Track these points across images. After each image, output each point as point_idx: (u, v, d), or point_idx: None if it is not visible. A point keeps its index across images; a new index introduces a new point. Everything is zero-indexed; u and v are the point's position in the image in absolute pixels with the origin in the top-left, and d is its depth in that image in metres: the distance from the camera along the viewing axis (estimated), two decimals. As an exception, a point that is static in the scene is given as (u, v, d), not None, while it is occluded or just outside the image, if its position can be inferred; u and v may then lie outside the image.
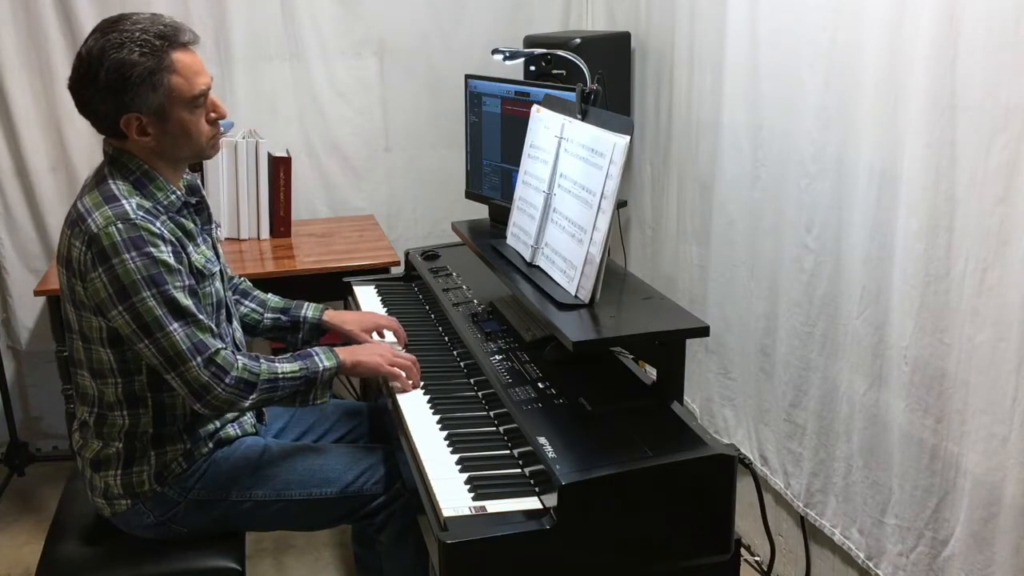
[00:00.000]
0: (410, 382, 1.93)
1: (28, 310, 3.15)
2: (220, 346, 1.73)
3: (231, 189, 3.01)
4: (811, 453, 2.22)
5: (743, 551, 1.67)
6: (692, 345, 2.35)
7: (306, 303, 2.19)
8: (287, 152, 3.08)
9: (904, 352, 1.84)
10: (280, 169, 3.04)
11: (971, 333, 1.68)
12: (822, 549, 2.28)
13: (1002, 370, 1.62)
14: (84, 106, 1.73)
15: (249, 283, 2.20)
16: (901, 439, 1.88)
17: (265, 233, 3.07)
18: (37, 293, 2.69)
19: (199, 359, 1.69)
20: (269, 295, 2.20)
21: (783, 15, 2.18)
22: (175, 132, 1.73)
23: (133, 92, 1.67)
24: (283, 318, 2.16)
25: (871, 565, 2.03)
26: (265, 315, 2.15)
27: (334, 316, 2.16)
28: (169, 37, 1.69)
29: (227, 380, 1.71)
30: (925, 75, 1.72)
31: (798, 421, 2.27)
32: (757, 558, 2.52)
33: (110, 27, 1.68)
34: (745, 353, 2.49)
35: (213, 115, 1.78)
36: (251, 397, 1.74)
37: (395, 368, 1.92)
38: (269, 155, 3.03)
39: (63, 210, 3.08)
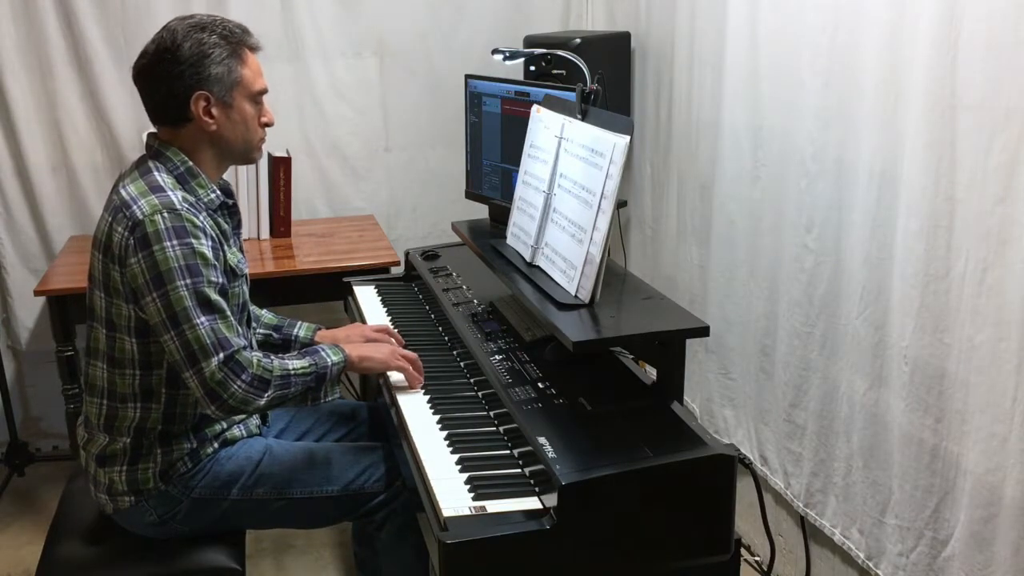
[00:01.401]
0: (416, 376, 1.94)
1: (28, 310, 3.15)
2: (242, 345, 1.74)
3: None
4: (811, 453, 2.22)
5: (743, 551, 1.67)
6: (692, 345, 2.35)
7: (299, 322, 2.19)
8: (287, 152, 3.08)
9: (904, 352, 1.84)
10: (280, 169, 3.04)
11: (971, 333, 1.68)
12: (822, 549, 2.28)
13: (1002, 370, 1.62)
14: (155, 84, 1.77)
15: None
16: (901, 439, 1.88)
17: (265, 233, 3.07)
18: (37, 293, 2.69)
19: (221, 355, 1.70)
20: (264, 311, 2.20)
21: (783, 15, 2.18)
22: (236, 120, 1.81)
23: (210, 70, 1.75)
24: (275, 335, 2.16)
25: (871, 565, 2.03)
26: (257, 330, 2.15)
27: (325, 336, 2.16)
28: (244, 31, 1.81)
29: (243, 377, 1.71)
30: (925, 75, 1.72)
31: (798, 421, 2.27)
32: (757, 558, 2.52)
33: (189, 16, 1.79)
34: (745, 353, 2.49)
35: (264, 120, 1.87)
36: (266, 395, 1.74)
37: (402, 363, 1.93)
38: (269, 155, 3.03)
39: (63, 210, 3.10)
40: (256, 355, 1.76)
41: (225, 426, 1.90)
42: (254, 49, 1.84)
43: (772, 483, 2.41)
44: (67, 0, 2.92)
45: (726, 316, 2.55)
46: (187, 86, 1.75)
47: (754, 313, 2.42)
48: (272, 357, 1.79)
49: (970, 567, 1.73)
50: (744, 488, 1.68)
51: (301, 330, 2.17)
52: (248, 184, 3.02)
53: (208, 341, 1.69)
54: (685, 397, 2.09)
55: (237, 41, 1.78)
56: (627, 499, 1.52)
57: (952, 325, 1.73)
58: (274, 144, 3.10)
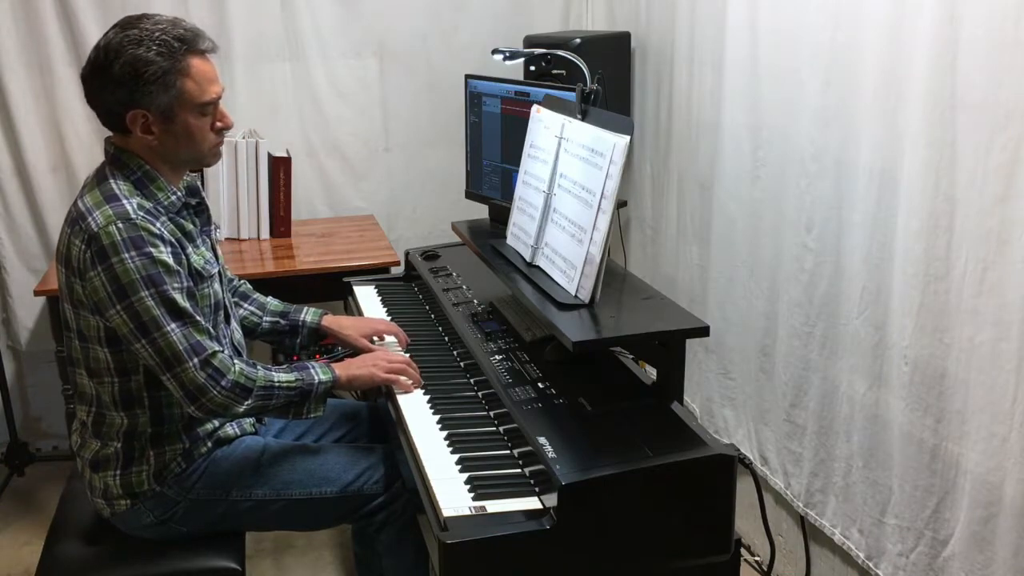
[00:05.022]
0: (410, 383, 1.93)
1: (28, 310, 3.15)
2: (217, 349, 1.73)
3: (231, 189, 3.01)
4: (811, 453, 2.22)
5: (743, 551, 1.68)
6: (692, 345, 2.35)
7: (305, 307, 2.19)
8: (287, 152, 3.08)
9: (904, 352, 1.84)
10: (280, 169, 3.04)
11: (971, 333, 1.68)
12: (822, 549, 2.28)
13: (1002, 370, 1.62)
14: (93, 96, 1.73)
15: (249, 286, 2.21)
16: (901, 439, 1.88)
17: (265, 233, 3.07)
18: (37, 293, 2.69)
19: (196, 360, 1.69)
20: (269, 298, 2.20)
21: (783, 15, 2.18)
22: (179, 134, 1.75)
23: (144, 89, 1.68)
24: (282, 322, 2.16)
25: (871, 565, 2.03)
26: (264, 318, 2.15)
27: (332, 321, 2.16)
28: (188, 41, 1.71)
29: (223, 383, 1.71)
30: (925, 75, 1.72)
31: (798, 421, 2.27)
32: (757, 558, 2.52)
33: (131, 23, 1.70)
34: (745, 353, 2.49)
35: (219, 124, 1.80)
36: (246, 403, 1.74)
37: (391, 375, 1.92)
38: (269, 155, 3.03)
39: (63, 210, 3.07)
40: (238, 363, 1.75)
41: (217, 424, 1.89)
42: (207, 52, 1.75)
43: (772, 483, 2.41)
44: (67, 0, 2.92)
45: (726, 316, 2.55)
46: (121, 104, 1.69)
47: (754, 313, 2.42)
48: (258, 366, 1.79)
49: (970, 567, 1.73)
50: (744, 488, 1.68)
51: (308, 315, 2.17)
52: (248, 184, 3.02)
53: (181, 347, 1.68)
54: (685, 397, 2.09)
55: (179, 52, 1.69)
56: (627, 499, 1.52)
57: (952, 325, 1.73)
58: (274, 144, 3.11)
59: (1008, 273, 1.60)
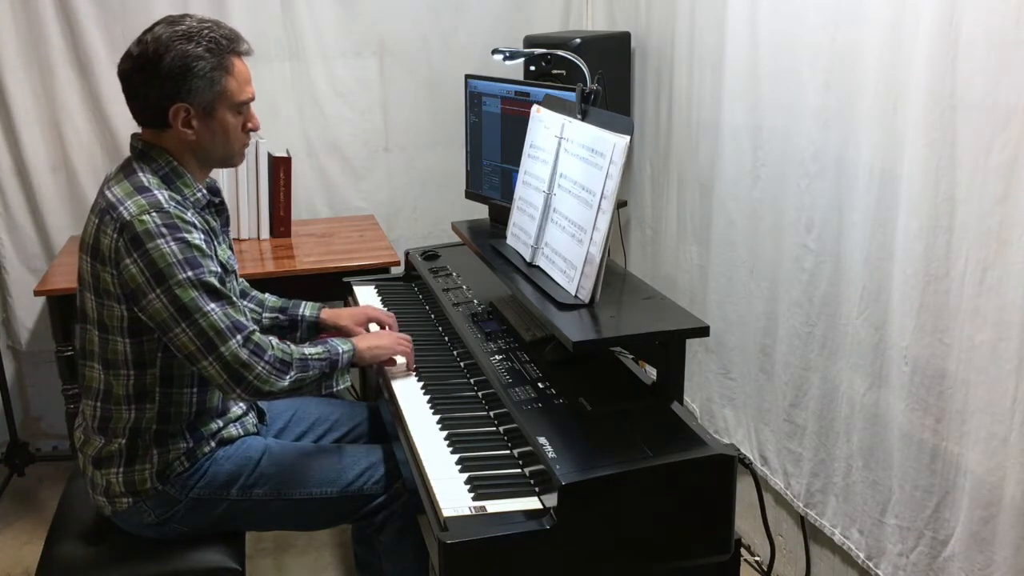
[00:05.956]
0: (411, 355, 2.01)
1: (28, 310, 3.15)
2: (254, 328, 1.76)
3: (231, 189, 3.01)
4: (811, 453, 2.22)
5: (743, 551, 1.68)
6: (692, 345, 2.35)
7: (303, 302, 2.21)
8: (287, 152, 3.09)
9: (904, 352, 1.84)
10: (280, 169, 3.04)
11: (971, 333, 1.68)
12: (822, 549, 2.28)
13: (1002, 370, 1.62)
14: (136, 90, 1.76)
15: (246, 283, 2.22)
16: (901, 439, 1.88)
17: (265, 233, 3.07)
18: (37, 293, 2.69)
19: (239, 336, 1.71)
20: (267, 295, 2.21)
21: (783, 15, 2.18)
22: (216, 130, 1.79)
23: (191, 84, 1.72)
24: (281, 317, 2.18)
25: (871, 565, 2.03)
26: (263, 314, 2.17)
27: (330, 314, 2.20)
28: (232, 40, 1.78)
29: (266, 358, 1.73)
30: (925, 75, 1.72)
31: (798, 421, 2.27)
32: (757, 558, 2.52)
33: (178, 20, 1.75)
34: (745, 353, 2.49)
35: (250, 125, 1.85)
36: (288, 376, 1.76)
37: (401, 346, 2.00)
38: (269, 155, 3.03)
39: (63, 210, 3.10)
40: (273, 339, 1.79)
41: (221, 424, 1.90)
42: (245, 54, 1.81)
43: (772, 483, 2.41)
44: (67, 0, 2.92)
45: (726, 316, 2.55)
46: (166, 97, 1.73)
47: (754, 313, 2.42)
48: (288, 343, 1.82)
49: (970, 567, 1.73)
50: (744, 488, 1.68)
51: (306, 310, 2.20)
52: (248, 184, 3.02)
53: (223, 325, 1.70)
54: (685, 397, 2.09)
55: (225, 51, 1.75)
56: (627, 499, 1.52)
57: (952, 325, 1.73)
58: (274, 144, 3.11)
59: (1008, 273, 1.60)
